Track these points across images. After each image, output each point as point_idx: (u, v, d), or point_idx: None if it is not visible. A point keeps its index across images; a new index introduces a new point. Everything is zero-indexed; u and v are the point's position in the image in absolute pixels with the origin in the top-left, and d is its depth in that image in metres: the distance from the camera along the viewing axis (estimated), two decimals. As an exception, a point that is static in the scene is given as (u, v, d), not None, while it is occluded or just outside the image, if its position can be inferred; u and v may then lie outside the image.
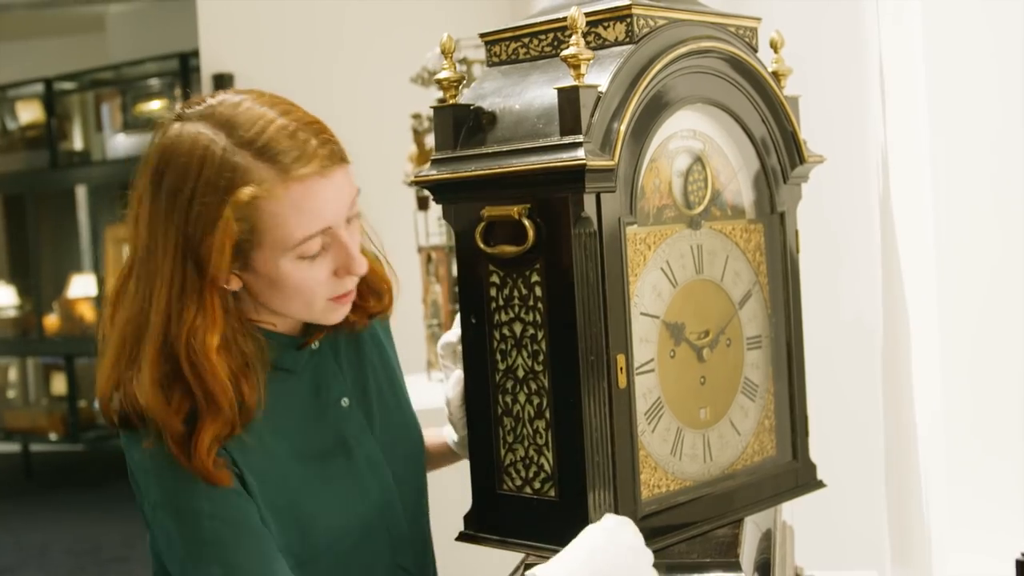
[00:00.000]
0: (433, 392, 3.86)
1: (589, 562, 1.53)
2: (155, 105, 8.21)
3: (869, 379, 2.15)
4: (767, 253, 1.93)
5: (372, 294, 1.85)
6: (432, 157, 1.78)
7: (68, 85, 8.65)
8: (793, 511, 2.21)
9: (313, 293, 1.66)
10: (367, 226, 1.81)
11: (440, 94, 1.78)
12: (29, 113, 8.88)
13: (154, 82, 8.23)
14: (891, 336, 1.86)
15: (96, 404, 1.83)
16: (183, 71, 7.57)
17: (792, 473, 1.97)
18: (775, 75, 1.93)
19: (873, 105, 1.81)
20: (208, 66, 4.41)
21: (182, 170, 1.57)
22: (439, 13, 4.14)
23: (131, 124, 8.32)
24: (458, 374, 1.81)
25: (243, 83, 4.37)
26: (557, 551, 1.67)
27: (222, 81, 4.30)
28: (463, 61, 3.40)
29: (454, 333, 1.84)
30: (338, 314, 1.73)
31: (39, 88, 8.62)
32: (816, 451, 2.02)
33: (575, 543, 1.57)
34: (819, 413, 2.05)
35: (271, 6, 4.47)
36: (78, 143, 8.86)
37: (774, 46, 1.97)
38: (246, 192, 1.55)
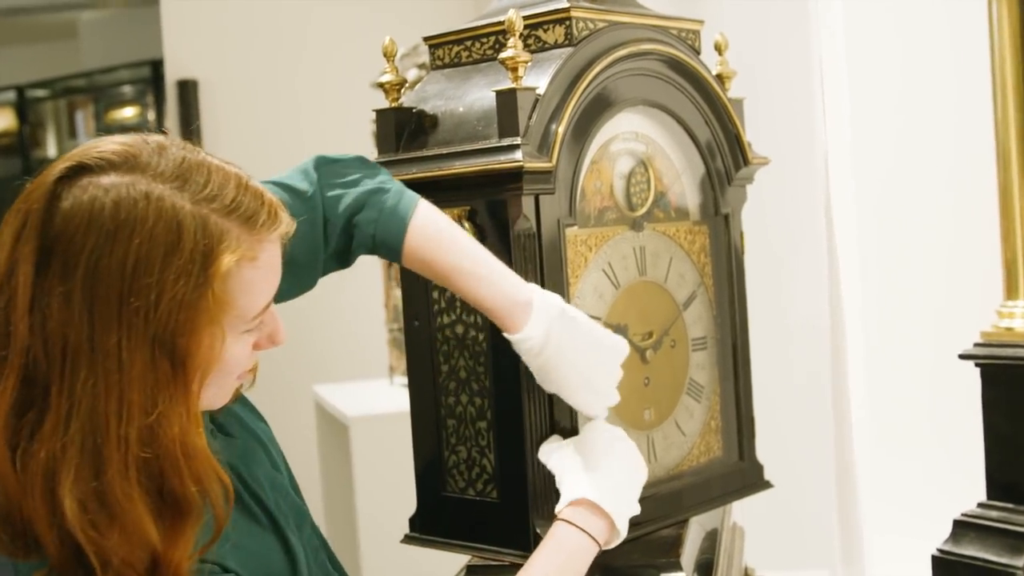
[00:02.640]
0: (394, 396, 3.87)
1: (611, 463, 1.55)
2: (128, 112, 8.18)
3: (817, 379, 2.16)
4: (712, 254, 1.94)
5: None
6: (375, 160, 1.78)
7: (41, 92, 8.61)
8: (744, 512, 2.22)
9: (236, 374, 1.36)
10: None
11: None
12: (2, 120, 8.85)
13: (127, 89, 8.20)
14: (836, 336, 1.87)
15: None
16: (155, 78, 7.55)
17: (739, 473, 1.98)
18: (719, 77, 1.94)
19: (816, 107, 1.82)
20: (173, 72, 4.41)
21: (140, 240, 1.20)
22: (402, 18, 4.15)
23: (104, 131, 8.26)
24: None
25: (208, 89, 4.37)
26: (500, 552, 1.67)
27: (187, 87, 4.30)
28: (422, 66, 3.41)
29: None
30: (231, 396, 1.42)
31: (11, 96, 8.58)
32: (765, 451, 2.03)
33: (581, 458, 1.56)
34: (768, 414, 2.06)
35: (236, 13, 4.47)
36: (52, 150, 8.81)
37: (718, 48, 1.98)
38: (227, 260, 1.24)
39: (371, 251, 1.60)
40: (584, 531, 1.50)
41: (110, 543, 1.17)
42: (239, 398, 1.51)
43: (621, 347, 1.60)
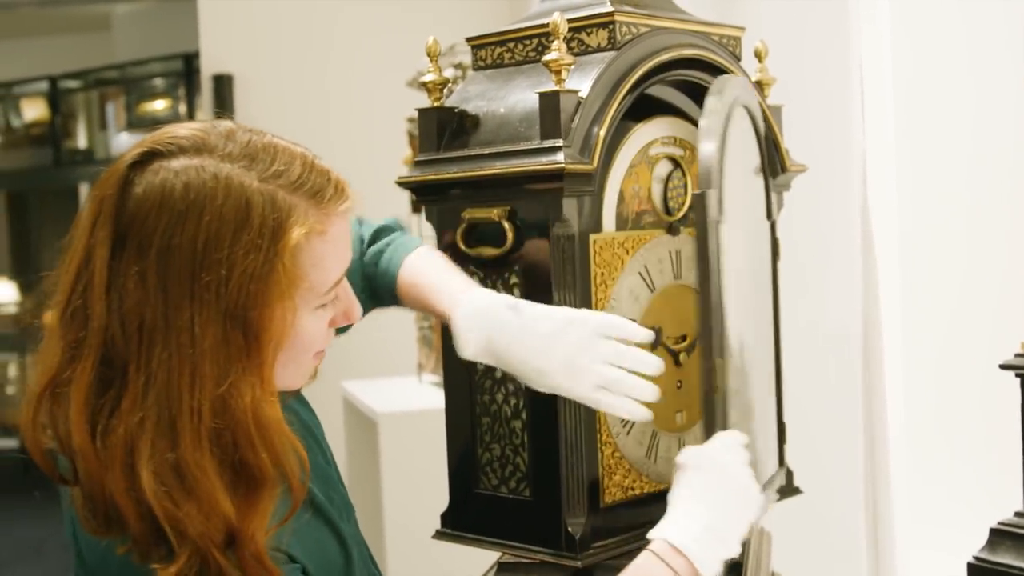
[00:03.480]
0: (423, 393, 3.89)
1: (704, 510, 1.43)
2: (159, 105, 8.25)
3: (850, 386, 2.16)
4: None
5: None
6: (415, 159, 1.80)
7: (73, 83, 8.70)
8: (772, 517, 2.22)
9: (313, 351, 1.37)
10: None
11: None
12: (34, 111, 8.93)
13: (158, 82, 8.27)
14: (869, 344, 1.88)
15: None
16: (187, 72, 7.61)
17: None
18: (759, 84, 1.95)
19: (854, 115, 1.83)
20: (208, 67, 4.44)
21: (211, 217, 1.22)
22: (437, 17, 4.16)
23: (135, 123, 8.35)
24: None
25: (242, 84, 4.40)
26: (531, 550, 1.69)
27: (222, 81, 4.33)
28: (458, 66, 3.42)
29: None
30: (309, 376, 1.44)
31: (44, 86, 8.67)
32: (796, 458, 2.03)
33: (688, 489, 1.45)
34: (799, 420, 2.06)
35: (271, 9, 4.50)
36: (82, 141, 8.90)
37: (758, 55, 1.99)
38: (296, 234, 1.26)
39: (376, 283, 1.72)
40: (669, 567, 1.41)
41: (186, 515, 1.19)
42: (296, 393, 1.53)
43: (574, 316, 1.54)
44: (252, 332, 1.24)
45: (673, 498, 1.47)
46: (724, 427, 1.54)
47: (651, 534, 1.44)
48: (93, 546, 1.28)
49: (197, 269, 1.22)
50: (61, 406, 1.24)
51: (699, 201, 1.54)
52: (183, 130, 1.29)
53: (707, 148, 1.57)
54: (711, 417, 1.54)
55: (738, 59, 1.91)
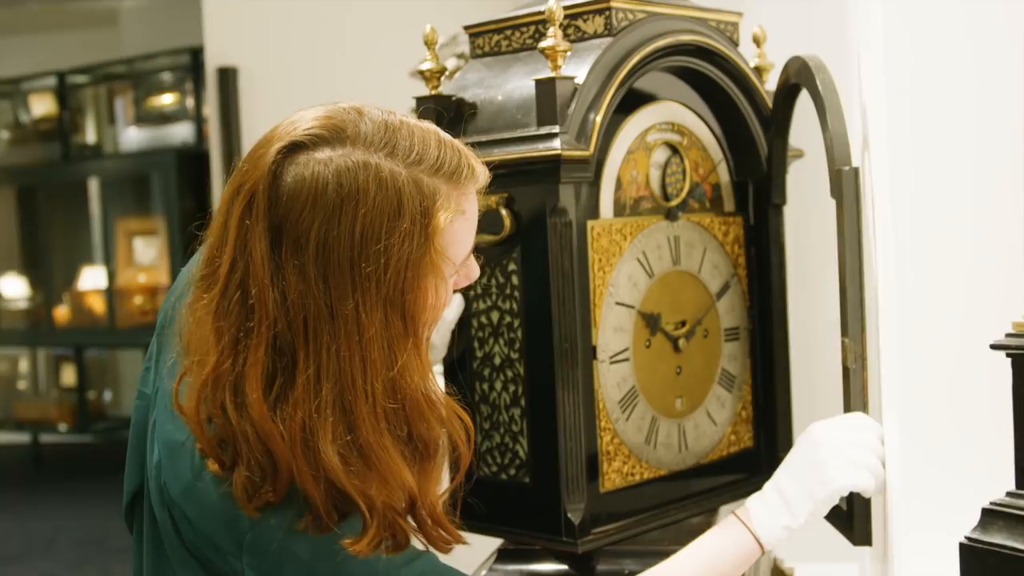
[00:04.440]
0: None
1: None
2: (167, 99, 8.25)
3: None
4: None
5: None
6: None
7: (81, 79, 8.70)
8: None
9: (440, 315, 1.41)
10: None
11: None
12: (42, 106, 8.94)
13: (166, 76, 8.27)
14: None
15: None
16: (194, 66, 7.61)
17: (770, 463, 1.98)
18: (757, 70, 1.95)
19: (853, 99, 1.83)
20: (213, 60, 4.44)
21: (365, 210, 1.26)
22: (441, 7, 4.16)
23: (143, 118, 8.35)
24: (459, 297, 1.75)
25: (248, 77, 4.41)
26: (531, 535, 1.70)
27: (227, 74, 4.33)
28: (461, 56, 3.42)
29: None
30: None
31: (52, 81, 8.67)
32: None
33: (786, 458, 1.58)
34: (801, 405, 2.06)
35: (276, 1, 4.50)
36: (91, 136, 8.90)
37: (756, 41, 1.99)
38: (443, 218, 1.31)
39: None
40: (745, 527, 1.54)
41: (372, 489, 1.26)
42: None
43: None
44: (409, 314, 1.30)
45: (777, 475, 1.57)
46: (857, 406, 1.62)
47: (751, 500, 1.56)
48: (236, 527, 1.29)
49: (356, 260, 1.26)
50: (227, 394, 1.27)
51: (837, 178, 1.60)
52: (315, 120, 1.31)
53: (838, 126, 1.63)
54: (845, 394, 1.64)
55: (736, 45, 1.91)
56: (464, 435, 1.36)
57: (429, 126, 1.36)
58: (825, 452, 1.54)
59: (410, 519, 1.31)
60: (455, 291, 1.45)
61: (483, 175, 1.39)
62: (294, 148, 1.28)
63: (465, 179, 1.35)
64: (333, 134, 1.29)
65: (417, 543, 1.33)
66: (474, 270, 1.45)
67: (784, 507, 1.53)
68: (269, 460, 1.26)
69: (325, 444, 1.25)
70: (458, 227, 1.34)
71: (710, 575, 1.51)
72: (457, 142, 1.37)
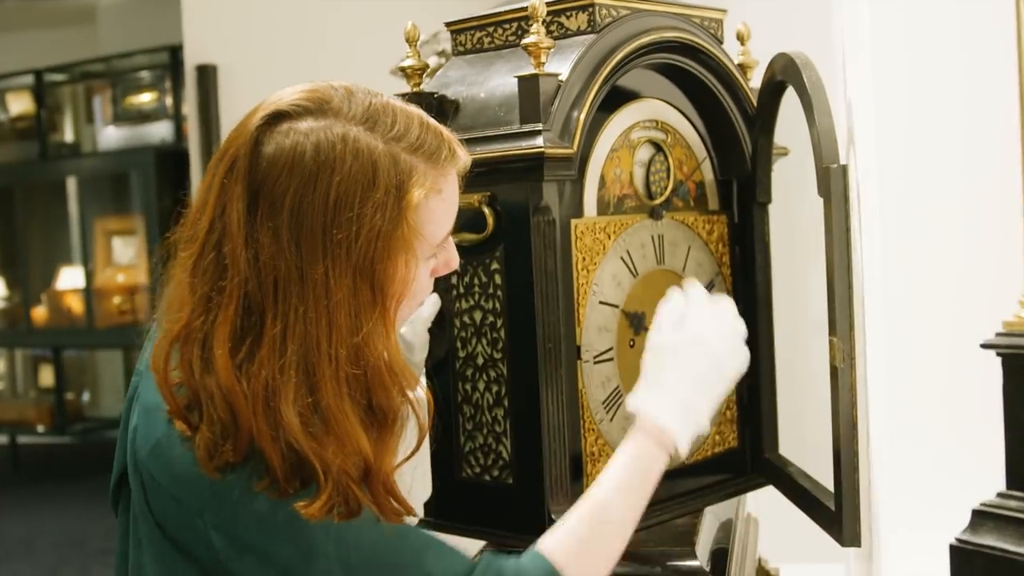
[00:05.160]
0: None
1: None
2: (146, 97, 8.20)
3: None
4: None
5: None
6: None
7: (58, 77, 8.64)
8: (760, 504, 2.22)
9: (420, 298, 1.45)
10: None
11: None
12: (19, 105, 8.88)
13: (144, 74, 8.21)
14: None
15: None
16: (173, 63, 7.57)
17: (755, 464, 1.97)
18: (741, 67, 1.93)
19: (837, 96, 1.82)
20: (192, 58, 4.41)
21: (340, 178, 1.29)
22: (422, 6, 4.14)
23: (121, 116, 8.30)
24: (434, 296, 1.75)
25: (227, 74, 4.38)
26: (515, 538, 1.67)
27: (206, 72, 4.30)
28: (442, 53, 3.40)
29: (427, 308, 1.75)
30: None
31: (29, 80, 8.61)
32: (784, 445, 2.02)
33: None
34: (782, 404, 2.05)
35: (255, -2, 4.48)
36: (68, 135, 8.85)
37: (740, 38, 1.98)
38: (417, 194, 1.33)
39: None
40: (663, 448, 1.47)
41: (328, 452, 1.27)
42: None
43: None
44: (378, 284, 1.32)
45: (644, 366, 1.53)
46: (846, 404, 1.61)
47: (635, 407, 1.50)
48: (196, 486, 1.29)
49: (328, 227, 1.29)
50: (196, 350, 1.29)
51: (825, 176, 1.58)
52: (303, 92, 1.35)
53: (826, 123, 1.61)
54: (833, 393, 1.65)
55: (720, 41, 1.90)
56: (424, 408, 1.39)
57: (415, 109, 1.39)
58: (716, 347, 1.52)
59: (364, 487, 1.32)
60: (433, 277, 1.46)
61: (464, 158, 1.41)
62: (278, 117, 1.32)
63: (445, 160, 1.38)
64: (317, 106, 1.33)
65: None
66: (454, 257, 1.47)
67: (693, 419, 1.49)
68: (231, 418, 1.27)
69: (286, 405, 1.27)
70: (434, 206, 1.37)
71: (640, 503, 1.46)
72: (441, 127, 1.40)
